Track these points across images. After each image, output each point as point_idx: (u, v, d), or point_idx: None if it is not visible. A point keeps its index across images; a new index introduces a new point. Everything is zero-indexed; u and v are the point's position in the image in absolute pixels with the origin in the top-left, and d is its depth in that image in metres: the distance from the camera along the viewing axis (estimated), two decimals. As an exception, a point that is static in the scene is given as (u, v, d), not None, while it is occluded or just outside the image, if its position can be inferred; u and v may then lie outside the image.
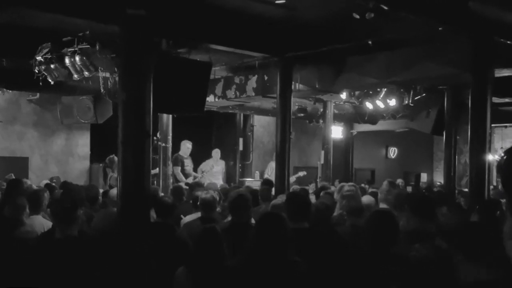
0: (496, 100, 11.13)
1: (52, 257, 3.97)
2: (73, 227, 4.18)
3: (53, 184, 9.41)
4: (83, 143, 13.73)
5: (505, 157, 1.41)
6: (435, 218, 4.68)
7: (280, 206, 5.32)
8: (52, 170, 12.96)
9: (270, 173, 13.10)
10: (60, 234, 4.15)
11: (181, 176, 11.67)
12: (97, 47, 8.22)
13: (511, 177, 1.40)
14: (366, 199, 6.45)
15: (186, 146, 11.99)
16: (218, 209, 6.18)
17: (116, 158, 10.78)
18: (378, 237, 3.73)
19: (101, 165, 12.73)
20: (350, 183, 9.72)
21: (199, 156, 13.36)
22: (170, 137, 11.64)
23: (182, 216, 6.09)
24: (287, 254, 3.43)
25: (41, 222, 5.53)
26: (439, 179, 18.22)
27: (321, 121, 14.24)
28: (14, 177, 9.65)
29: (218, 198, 6.03)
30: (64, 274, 3.82)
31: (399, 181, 13.08)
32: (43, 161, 13.10)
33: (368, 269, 3.47)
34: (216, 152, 12.93)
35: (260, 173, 15.08)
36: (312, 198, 7.45)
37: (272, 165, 13.20)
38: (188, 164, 12.03)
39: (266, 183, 8.97)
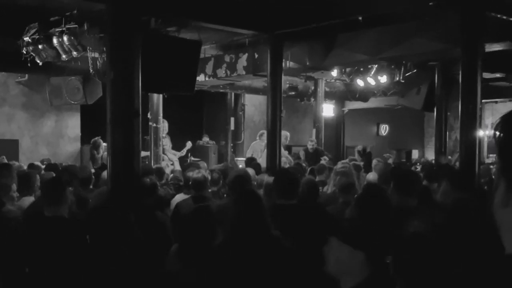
0: (486, 75, 11.14)
1: (39, 234, 3.97)
2: (62, 208, 4.16)
3: (42, 165, 9.36)
4: (73, 124, 13.66)
5: (500, 122, 1.40)
6: (416, 193, 4.62)
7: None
8: (43, 152, 12.91)
9: (251, 154, 12.96)
10: (49, 214, 4.15)
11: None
12: (85, 26, 8.13)
13: (505, 144, 1.38)
14: (372, 176, 6.45)
15: (163, 125, 11.72)
16: (215, 188, 6.23)
17: (100, 140, 10.77)
18: (366, 213, 3.72)
19: (89, 147, 12.68)
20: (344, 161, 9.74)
21: (190, 136, 13.30)
22: (160, 117, 11.59)
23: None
24: (267, 227, 3.43)
25: (32, 203, 5.49)
26: (430, 155, 18.30)
27: (312, 99, 14.21)
28: (6, 160, 9.60)
29: (209, 178, 6.06)
30: (49, 252, 3.81)
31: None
32: (33, 143, 13.03)
33: (354, 245, 3.47)
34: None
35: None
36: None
37: (254, 146, 13.14)
38: (166, 144, 11.90)
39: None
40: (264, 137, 12.49)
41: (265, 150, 12.34)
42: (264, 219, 3.41)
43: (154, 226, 4.70)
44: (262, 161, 11.26)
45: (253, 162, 8.75)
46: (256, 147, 13.04)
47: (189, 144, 11.88)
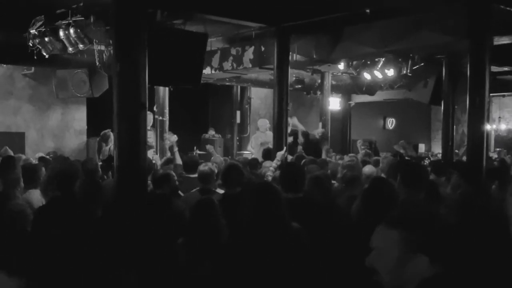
0: (494, 69, 11.06)
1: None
2: None
3: (50, 157, 9.37)
4: (79, 117, 13.66)
5: None
6: (423, 187, 4.58)
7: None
8: (49, 145, 12.92)
9: (254, 145, 12.90)
10: None
11: None
12: (91, 19, 8.13)
13: None
14: (368, 169, 6.42)
15: (148, 117, 11.48)
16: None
17: (110, 133, 10.72)
18: (371, 205, 3.69)
19: (98, 139, 12.65)
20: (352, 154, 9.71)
21: (196, 129, 13.27)
22: (166, 110, 11.57)
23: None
24: (286, 220, 3.41)
25: (38, 197, 5.49)
26: (437, 149, 18.23)
27: (318, 92, 14.15)
28: (9, 150, 9.60)
29: (216, 171, 6.04)
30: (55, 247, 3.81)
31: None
32: (39, 136, 13.05)
33: (359, 239, 3.45)
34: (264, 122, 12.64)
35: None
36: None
37: (256, 136, 13.07)
38: (151, 136, 11.75)
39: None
40: (263, 128, 12.51)
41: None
42: (281, 212, 3.38)
43: (169, 215, 4.70)
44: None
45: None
46: (257, 137, 12.96)
47: (174, 138, 11.66)
